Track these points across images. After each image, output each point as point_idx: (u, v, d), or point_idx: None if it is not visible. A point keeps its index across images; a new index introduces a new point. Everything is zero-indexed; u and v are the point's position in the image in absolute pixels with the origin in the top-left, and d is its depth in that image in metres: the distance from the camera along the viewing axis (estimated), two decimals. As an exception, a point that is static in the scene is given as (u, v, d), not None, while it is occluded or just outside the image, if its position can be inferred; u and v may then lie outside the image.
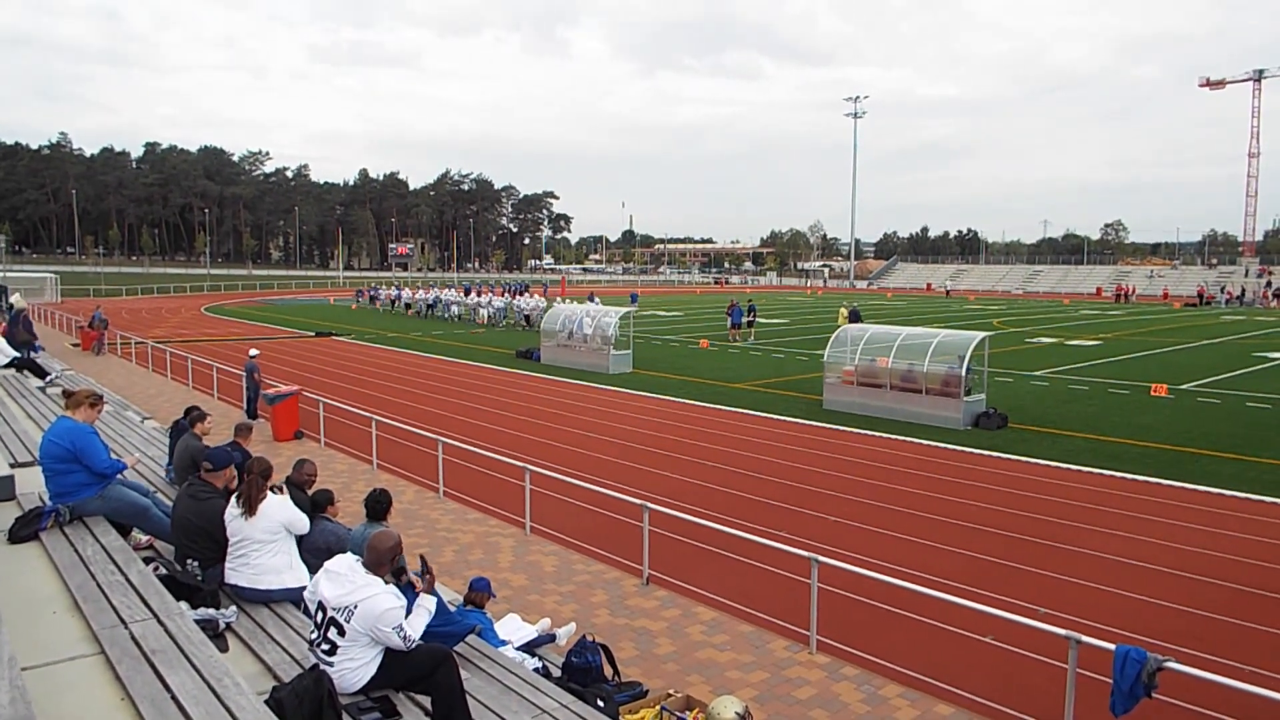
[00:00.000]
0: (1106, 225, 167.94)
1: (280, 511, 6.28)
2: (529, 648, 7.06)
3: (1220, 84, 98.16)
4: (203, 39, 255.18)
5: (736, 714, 5.21)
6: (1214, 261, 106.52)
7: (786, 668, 7.73)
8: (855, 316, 36.31)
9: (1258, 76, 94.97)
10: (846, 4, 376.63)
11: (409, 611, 5.06)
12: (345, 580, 4.88)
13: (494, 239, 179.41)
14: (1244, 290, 76.55)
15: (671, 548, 10.64)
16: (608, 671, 6.74)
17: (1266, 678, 7.21)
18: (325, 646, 4.84)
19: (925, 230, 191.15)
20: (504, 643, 6.80)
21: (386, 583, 4.98)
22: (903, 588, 7.85)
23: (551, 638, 7.58)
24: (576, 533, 11.41)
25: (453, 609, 6.49)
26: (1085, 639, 6.19)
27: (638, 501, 10.06)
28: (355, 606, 4.77)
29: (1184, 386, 24.08)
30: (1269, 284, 78.37)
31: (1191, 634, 8.39)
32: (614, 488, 12.44)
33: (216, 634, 5.48)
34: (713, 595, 9.37)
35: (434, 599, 5.39)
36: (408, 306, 56.49)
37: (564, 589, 9.57)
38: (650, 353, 32.38)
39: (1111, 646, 6.00)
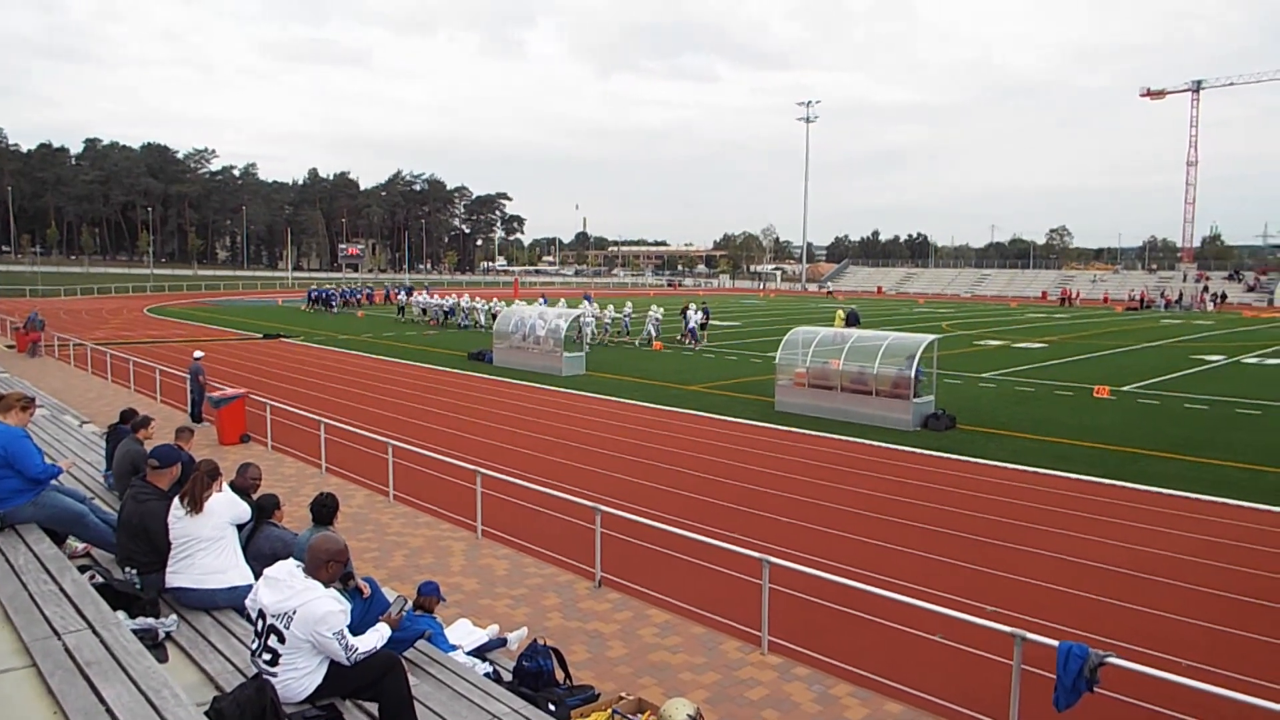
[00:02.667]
0: (1052, 231, 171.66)
1: (228, 509, 6.16)
2: (479, 652, 6.99)
3: (1160, 94, 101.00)
4: (148, 33, 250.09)
5: (689, 716, 5.21)
6: (1154, 267, 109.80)
7: (738, 669, 7.75)
8: (854, 319, 35.49)
9: (1196, 87, 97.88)
10: (803, 9, 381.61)
11: (356, 619, 4.95)
12: (284, 586, 4.75)
13: (446, 240, 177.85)
14: (1182, 295, 78.90)
15: (624, 550, 10.62)
16: (559, 675, 6.70)
17: (1206, 672, 7.40)
18: (266, 656, 4.69)
19: (876, 234, 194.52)
20: (454, 648, 6.72)
21: (328, 587, 4.86)
22: (853, 588, 7.92)
23: (502, 642, 7.50)
24: (529, 536, 11.34)
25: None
26: (1030, 636, 6.31)
27: (590, 504, 10.03)
28: (294, 612, 4.64)
29: (1126, 388, 24.70)
30: (1205, 289, 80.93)
31: (1135, 630, 8.58)
32: (567, 490, 12.37)
33: (155, 644, 5.32)
34: (665, 597, 9.37)
35: (388, 631, 5.15)
36: (423, 312, 49.76)
37: (515, 592, 9.49)
38: (604, 355, 32.35)
39: (1055, 643, 6.12)
